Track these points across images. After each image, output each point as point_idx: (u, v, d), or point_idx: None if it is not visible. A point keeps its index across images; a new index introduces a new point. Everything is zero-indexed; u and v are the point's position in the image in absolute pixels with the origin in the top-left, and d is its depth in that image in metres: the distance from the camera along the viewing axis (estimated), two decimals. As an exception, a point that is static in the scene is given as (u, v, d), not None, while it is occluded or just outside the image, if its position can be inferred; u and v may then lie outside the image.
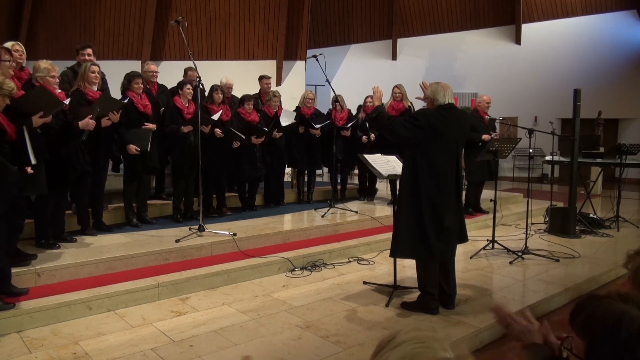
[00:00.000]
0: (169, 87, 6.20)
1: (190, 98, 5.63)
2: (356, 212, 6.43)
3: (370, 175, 7.55)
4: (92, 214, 5.05)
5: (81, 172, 4.41)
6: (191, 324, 3.46)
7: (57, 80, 4.37)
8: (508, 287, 4.38)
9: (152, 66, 6.05)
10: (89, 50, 5.22)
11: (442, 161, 3.57)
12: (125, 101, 5.05)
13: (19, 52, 4.20)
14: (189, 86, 5.63)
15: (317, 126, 6.84)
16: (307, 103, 6.98)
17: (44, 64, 4.21)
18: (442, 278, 3.75)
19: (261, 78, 7.29)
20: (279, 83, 11.85)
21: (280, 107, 6.82)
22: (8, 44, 4.11)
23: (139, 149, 5.07)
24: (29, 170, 3.60)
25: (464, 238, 3.90)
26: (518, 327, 1.41)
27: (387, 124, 3.76)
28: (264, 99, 6.93)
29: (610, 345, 1.06)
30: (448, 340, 0.90)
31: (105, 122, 4.73)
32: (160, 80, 6.21)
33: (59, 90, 4.38)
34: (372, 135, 7.06)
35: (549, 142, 7.74)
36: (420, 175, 3.58)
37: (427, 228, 3.57)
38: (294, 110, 7.02)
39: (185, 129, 5.44)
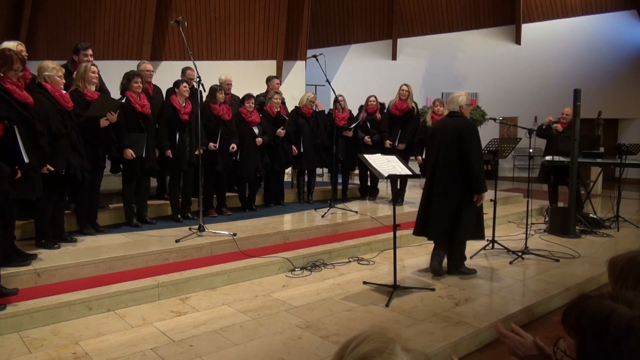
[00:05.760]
0: (169, 87, 6.18)
1: (187, 97, 5.61)
2: (356, 212, 6.43)
3: (371, 176, 7.55)
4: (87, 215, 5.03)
5: (81, 175, 4.40)
6: (191, 324, 3.46)
7: (64, 80, 4.39)
8: (508, 287, 4.38)
9: (148, 65, 6.03)
10: (90, 51, 5.23)
11: (430, 161, 4.62)
12: (123, 101, 5.04)
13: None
14: (185, 84, 5.58)
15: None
16: (309, 105, 6.96)
17: (51, 64, 4.28)
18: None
19: (271, 78, 7.31)
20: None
21: (282, 107, 6.81)
22: (11, 44, 4.11)
23: (134, 155, 5.08)
24: (19, 172, 3.50)
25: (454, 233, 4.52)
26: (512, 343, 1.47)
27: (474, 162, 4.38)
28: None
29: (599, 343, 1.07)
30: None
31: (103, 123, 4.75)
32: (159, 80, 6.20)
33: (64, 91, 4.40)
34: (376, 136, 7.06)
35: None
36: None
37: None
38: (292, 110, 7.02)
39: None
